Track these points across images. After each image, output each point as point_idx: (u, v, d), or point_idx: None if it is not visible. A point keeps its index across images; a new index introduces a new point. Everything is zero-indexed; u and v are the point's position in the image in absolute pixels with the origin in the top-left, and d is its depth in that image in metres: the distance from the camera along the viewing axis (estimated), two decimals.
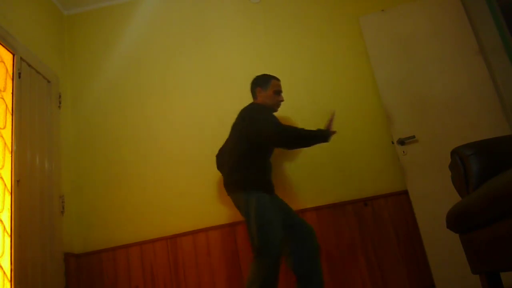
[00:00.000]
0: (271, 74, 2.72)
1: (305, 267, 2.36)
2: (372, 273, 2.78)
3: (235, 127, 2.56)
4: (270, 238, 2.26)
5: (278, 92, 2.64)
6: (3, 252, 2.40)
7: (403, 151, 2.87)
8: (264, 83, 2.65)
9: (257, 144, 2.45)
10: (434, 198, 2.71)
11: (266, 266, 2.21)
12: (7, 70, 2.71)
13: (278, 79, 2.69)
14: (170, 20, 3.56)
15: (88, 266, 2.99)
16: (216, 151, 2.78)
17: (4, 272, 2.35)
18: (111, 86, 3.44)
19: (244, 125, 2.48)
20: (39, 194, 2.75)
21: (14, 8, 2.89)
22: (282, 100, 2.66)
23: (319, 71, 3.26)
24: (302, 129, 2.46)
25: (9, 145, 2.58)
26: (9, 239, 2.41)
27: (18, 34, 2.82)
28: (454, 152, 1.83)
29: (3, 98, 2.65)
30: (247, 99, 3.06)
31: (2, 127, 2.61)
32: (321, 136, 2.44)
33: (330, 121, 2.48)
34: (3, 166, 2.55)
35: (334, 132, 2.47)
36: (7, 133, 2.60)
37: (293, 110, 3.17)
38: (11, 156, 2.54)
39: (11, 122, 2.60)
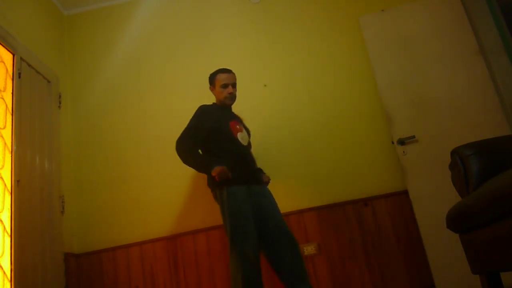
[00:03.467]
0: (226, 68, 2.67)
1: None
2: (372, 273, 2.79)
3: None
4: (239, 228, 2.26)
5: (225, 85, 2.59)
6: (3, 252, 2.40)
7: (403, 151, 2.87)
8: (211, 81, 2.66)
9: (206, 143, 2.49)
10: (434, 198, 2.71)
11: (241, 256, 2.21)
12: (7, 70, 2.71)
13: (224, 72, 2.62)
14: (170, 20, 3.56)
15: (88, 266, 2.99)
16: None
17: (4, 272, 2.36)
18: (111, 86, 3.44)
19: None
20: (39, 194, 2.75)
21: (14, 8, 2.89)
22: (230, 92, 2.59)
23: (319, 71, 3.25)
24: (196, 155, 2.46)
25: (9, 145, 2.58)
26: (9, 239, 2.41)
27: (18, 34, 2.82)
28: (454, 152, 1.82)
29: (3, 98, 2.65)
30: (247, 99, 3.07)
31: (2, 127, 2.61)
32: (205, 165, 2.41)
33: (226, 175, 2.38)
34: (3, 166, 2.55)
35: (222, 174, 2.33)
36: (7, 133, 2.60)
37: (293, 110, 3.17)
38: (11, 156, 2.54)
39: (11, 122, 2.60)
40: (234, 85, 2.62)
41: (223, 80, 2.60)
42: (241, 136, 2.53)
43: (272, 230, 2.37)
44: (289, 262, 2.31)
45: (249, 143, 2.63)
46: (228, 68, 2.68)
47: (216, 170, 2.32)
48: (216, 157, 2.44)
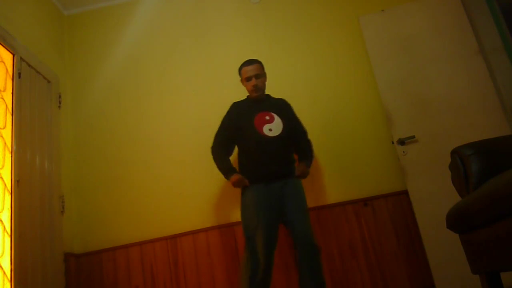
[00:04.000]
0: (254, 58, 2.71)
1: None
2: (372, 273, 2.78)
3: None
4: (250, 228, 2.36)
5: (248, 78, 2.61)
6: (3, 252, 2.40)
7: (403, 151, 2.87)
8: (240, 75, 2.69)
9: (236, 141, 2.63)
10: (434, 198, 2.71)
11: (251, 256, 2.30)
12: (7, 70, 2.71)
13: (247, 64, 2.64)
14: (169, 20, 3.56)
15: (88, 266, 2.99)
16: None
17: (4, 272, 2.35)
18: (111, 86, 3.44)
19: None
20: (39, 194, 2.75)
21: (14, 8, 2.89)
22: (254, 84, 2.59)
23: (319, 71, 3.25)
24: (221, 160, 2.57)
25: (9, 145, 2.58)
26: (9, 239, 2.41)
27: (18, 34, 2.82)
28: (454, 152, 1.82)
29: (3, 98, 2.65)
30: None
31: (2, 127, 2.61)
32: (224, 173, 2.54)
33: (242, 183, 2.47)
34: (3, 166, 2.55)
35: (237, 183, 2.47)
36: (7, 133, 2.60)
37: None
38: (11, 156, 2.54)
39: (11, 122, 2.60)
40: (257, 76, 2.61)
41: (246, 73, 2.63)
42: (268, 128, 2.50)
43: (287, 228, 2.43)
44: (301, 260, 2.35)
45: (283, 132, 2.50)
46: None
47: (232, 180, 2.45)
48: (241, 155, 2.58)
